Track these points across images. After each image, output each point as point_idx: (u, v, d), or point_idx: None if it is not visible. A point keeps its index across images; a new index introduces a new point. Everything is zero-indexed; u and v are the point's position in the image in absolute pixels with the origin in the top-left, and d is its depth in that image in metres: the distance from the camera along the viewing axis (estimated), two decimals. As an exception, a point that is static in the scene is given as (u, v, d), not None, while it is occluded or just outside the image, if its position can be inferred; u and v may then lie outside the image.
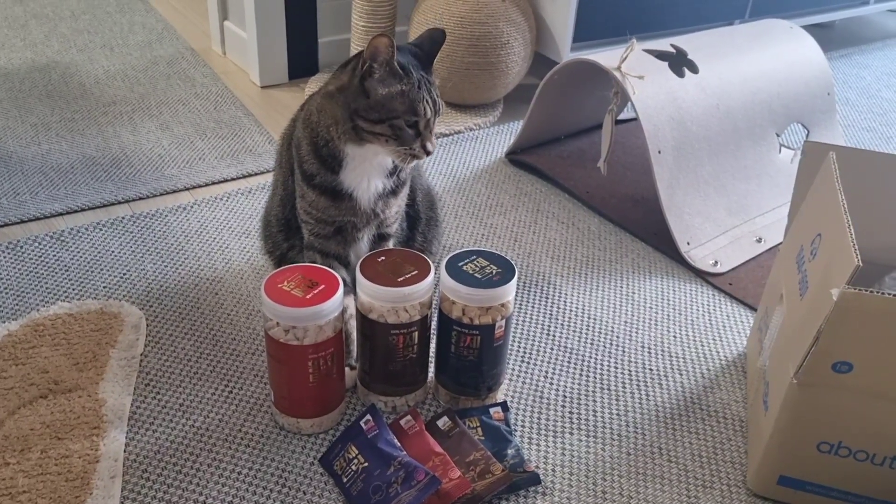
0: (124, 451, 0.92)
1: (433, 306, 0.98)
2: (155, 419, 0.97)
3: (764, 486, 0.92)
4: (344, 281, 1.00)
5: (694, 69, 1.43)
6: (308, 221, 1.01)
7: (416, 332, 0.95)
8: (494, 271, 0.94)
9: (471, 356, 0.96)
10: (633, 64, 1.36)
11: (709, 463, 0.97)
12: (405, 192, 1.05)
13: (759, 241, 1.40)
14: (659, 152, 1.33)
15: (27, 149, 1.56)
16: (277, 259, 1.13)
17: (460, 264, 0.95)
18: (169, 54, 2.05)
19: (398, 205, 1.04)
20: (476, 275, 0.94)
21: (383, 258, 0.96)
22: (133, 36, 2.15)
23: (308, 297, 0.88)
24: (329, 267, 1.01)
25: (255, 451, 0.94)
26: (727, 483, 0.94)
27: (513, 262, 0.96)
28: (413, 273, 0.93)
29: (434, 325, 1.00)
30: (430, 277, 0.93)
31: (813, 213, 0.97)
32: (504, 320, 0.95)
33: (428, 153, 0.93)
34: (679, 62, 1.43)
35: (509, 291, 0.94)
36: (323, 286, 0.90)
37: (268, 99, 1.86)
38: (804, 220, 1.00)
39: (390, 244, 1.07)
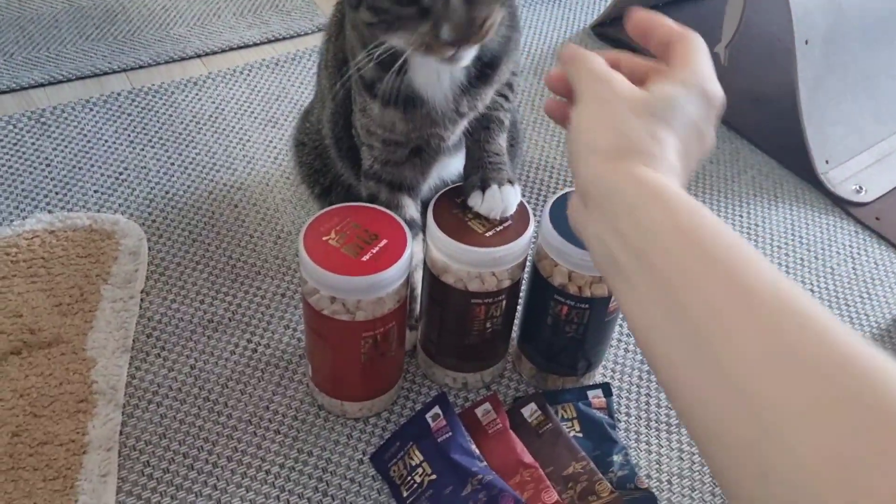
0: (119, 436, 0.71)
1: (528, 264, 0.73)
2: (159, 388, 0.75)
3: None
4: (412, 221, 0.75)
5: (859, -73, 1.09)
6: (373, 145, 0.72)
7: (504, 302, 0.71)
8: (616, 226, 0.68)
9: (571, 332, 0.73)
10: (785, -82, 1.02)
11: (866, 478, 0.75)
12: (504, 70, 0.69)
13: (913, 160, 1.12)
14: (806, 42, 1.02)
15: (1, -8, 1.26)
16: (317, 196, 0.87)
17: (569, 212, 0.69)
18: None
19: (496, 86, 0.70)
20: (591, 230, 0.68)
21: (464, 198, 0.70)
22: None
23: (364, 258, 0.63)
24: (396, 203, 0.74)
25: (287, 440, 0.72)
26: (890, 508, 0.73)
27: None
28: (506, 224, 0.68)
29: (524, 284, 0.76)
30: (530, 231, 0.68)
31: None
32: (623, 291, 0.71)
33: (445, 43, 0.54)
34: (841, -83, 1.08)
35: (635, 256, 0.68)
36: (385, 241, 0.65)
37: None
38: None
39: (498, 138, 0.73)
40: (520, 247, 0.67)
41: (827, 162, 1.06)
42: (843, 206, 1.05)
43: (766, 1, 1.22)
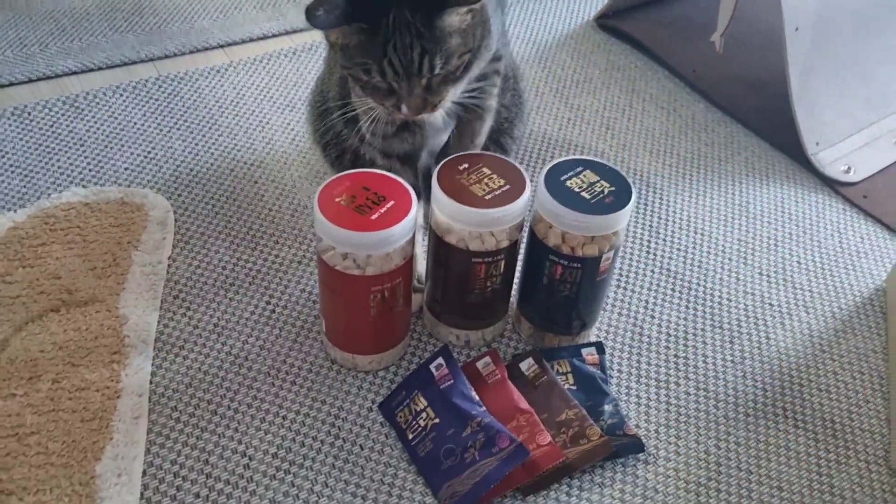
0: (150, 384, 0.78)
1: (525, 227, 0.79)
2: (185, 343, 0.82)
3: (916, 470, 0.76)
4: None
5: (848, -80, 1.14)
6: (363, 118, 0.80)
7: (503, 261, 0.76)
8: (606, 190, 0.74)
9: (566, 291, 0.78)
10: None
11: (843, 431, 0.80)
12: (475, 70, 0.76)
13: (901, 143, 1.17)
14: (796, 29, 1.07)
15: (36, -13, 1.33)
16: (322, 147, 0.94)
17: (563, 178, 0.75)
18: None
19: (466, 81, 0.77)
20: (583, 194, 0.74)
21: (466, 165, 0.76)
22: None
23: (373, 217, 0.69)
24: (390, 168, 0.82)
25: (303, 390, 0.79)
26: (865, 459, 0.78)
27: (629, 180, 0.76)
28: (504, 188, 0.74)
29: (522, 247, 0.82)
30: (526, 195, 0.74)
31: None
32: (612, 252, 0.76)
33: (404, 114, 0.72)
34: (831, -90, 1.14)
35: (623, 218, 0.74)
36: (392, 202, 0.71)
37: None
38: None
39: (484, 120, 0.83)
40: (516, 208, 0.73)
41: (817, 144, 1.11)
42: (831, 185, 1.09)
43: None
